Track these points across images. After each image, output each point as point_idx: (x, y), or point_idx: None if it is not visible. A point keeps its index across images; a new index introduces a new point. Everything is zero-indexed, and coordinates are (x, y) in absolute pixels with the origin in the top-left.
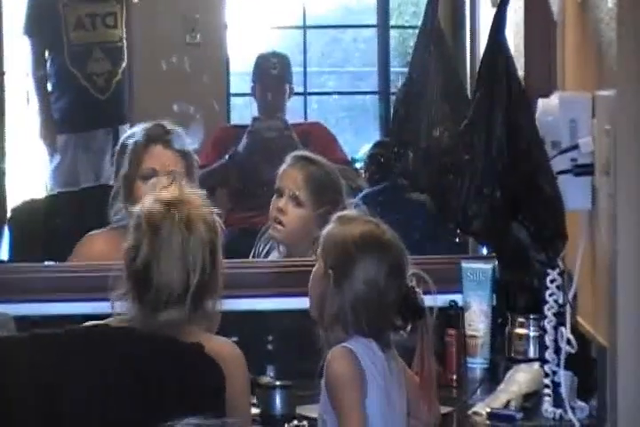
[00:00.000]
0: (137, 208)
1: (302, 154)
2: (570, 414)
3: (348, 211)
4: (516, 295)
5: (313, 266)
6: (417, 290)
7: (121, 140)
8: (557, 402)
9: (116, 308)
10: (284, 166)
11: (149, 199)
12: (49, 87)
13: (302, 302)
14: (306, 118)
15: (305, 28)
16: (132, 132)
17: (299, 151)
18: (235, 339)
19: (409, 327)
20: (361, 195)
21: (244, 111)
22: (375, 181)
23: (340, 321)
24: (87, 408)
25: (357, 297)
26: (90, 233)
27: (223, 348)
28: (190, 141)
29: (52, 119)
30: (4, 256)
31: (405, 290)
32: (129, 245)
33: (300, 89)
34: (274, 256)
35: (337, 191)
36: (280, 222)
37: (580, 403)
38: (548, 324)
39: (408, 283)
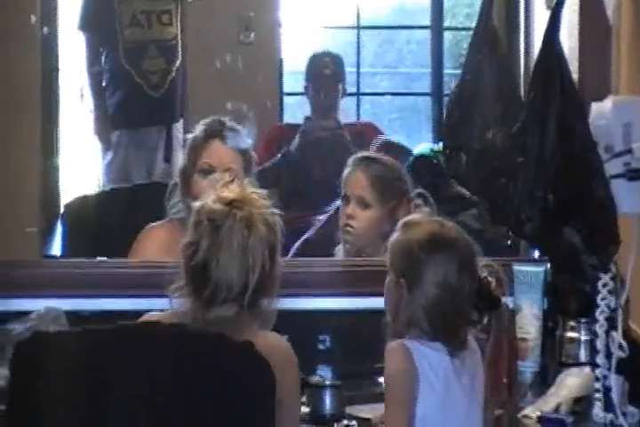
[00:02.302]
0: (197, 205)
1: (363, 155)
2: (621, 419)
3: (412, 216)
4: (568, 299)
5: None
6: (490, 280)
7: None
8: (608, 407)
9: (173, 304)
10: (346, 171)
11: (211, 198)
12: (103, 83)
13: (356, 302)
14: (358, 118)
15: (358, 28)
16: (194, 128)
17: (359, 153)
18: (285, 337)
19: (485, 320)
20: None
21: (296, 110)
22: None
23: (413, 328)
24: (135, 404)
25: (432, 302)
26: (151, 225)
27: (274, 343)
28: (249, 140)
29: (106, 115)
30: (57, 251)
31: (479, 282)
32: (188, 240)
33: (352, 89)
34: (338, 254)
35: (402, 185)
36: (351, 226)
37: (632, 408)
38: (600, 328)
39: (480, 274)
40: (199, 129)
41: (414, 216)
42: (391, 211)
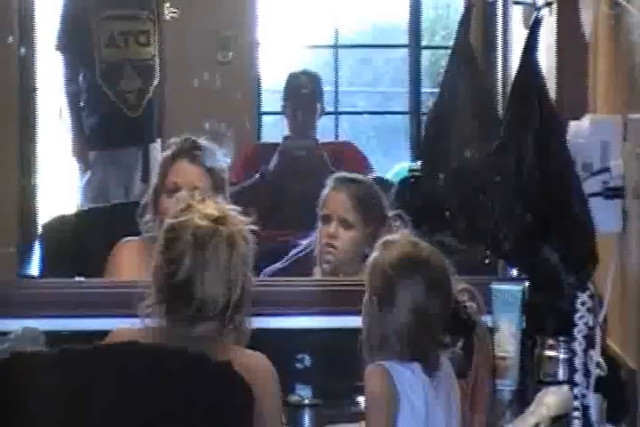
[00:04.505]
0: (174, 221)
1: (343, 175)
2: None
3: (392, 235)
4: (546, 317)
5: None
6: (466, 304)
7: None
8: (587, 425)
9: (146, 323)
10: (326, 191)
11: (196, 215)
12: (81, 104)
13: (335, 321)
14: (336, 137)
15: (336, 47)
16: (167, 145)
17: (338, 173)
18: (263, 355)
19: (460, 344)
20: None
21: (274, 130)
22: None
23: (384, 347)
24: (115, 424)
25: (402, 324)
26: (125, 239)
27: (254, 362)
28: (223, 159)
29: (83, 136)
30: (35, 271)
31: (453, 306)
32: (167, 257)
33: (330, 108)
34: (314, 274)
35: (382, 207)
36: (333, 246)
37: (610, 426)
38: (578, 346)
39: (455, 298)
40: (169, 149)
41: (393, 236)
42: (372, 232)
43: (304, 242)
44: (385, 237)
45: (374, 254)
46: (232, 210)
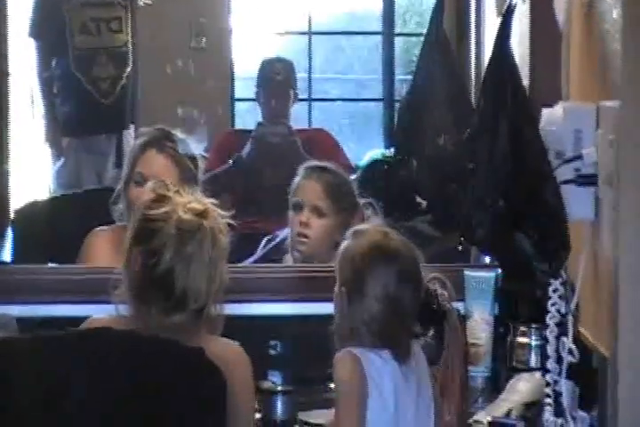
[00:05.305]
0: (153, 212)
1: (314, 164)
2: (571, 424)
3: (362, 225)
4: (519, 304)
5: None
6: (438, 293)
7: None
8: (558, 412)
9: (120, 310)
10: (297, 180)
11: (180, 208)
12: (54, 90)
13: (308, 308)
14: (310, 124)
15: (310, 33)
16: (139, 134)
17: (309, 162)
18: (237, 344)
19: (431, 332)
20: None
21: (248, 116)
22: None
23: (355, 337)
24: (88, 410)
25: (371, 314)
26: (97, 228)
27: (227, 350)
28: (195, 147)
29: (56, 122)
30: (7, 258)
31: (424, 295)
32: (147, 247)
33: (304, 95)
34: (286, 261)
35: (353, 195)
36: (305, 236)
37: (582, 413)
38: (550, 333)
39: (426, 287)
40: (140, 137)
41: (364, 225)
42: (344, 220)
43: (280, 234)
44: (355, 227)
45: (344, 244)
46: (212, 202)
